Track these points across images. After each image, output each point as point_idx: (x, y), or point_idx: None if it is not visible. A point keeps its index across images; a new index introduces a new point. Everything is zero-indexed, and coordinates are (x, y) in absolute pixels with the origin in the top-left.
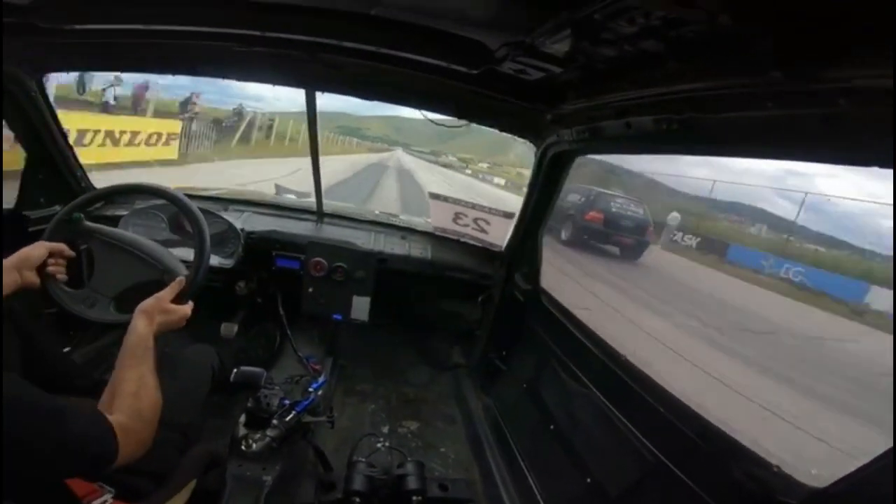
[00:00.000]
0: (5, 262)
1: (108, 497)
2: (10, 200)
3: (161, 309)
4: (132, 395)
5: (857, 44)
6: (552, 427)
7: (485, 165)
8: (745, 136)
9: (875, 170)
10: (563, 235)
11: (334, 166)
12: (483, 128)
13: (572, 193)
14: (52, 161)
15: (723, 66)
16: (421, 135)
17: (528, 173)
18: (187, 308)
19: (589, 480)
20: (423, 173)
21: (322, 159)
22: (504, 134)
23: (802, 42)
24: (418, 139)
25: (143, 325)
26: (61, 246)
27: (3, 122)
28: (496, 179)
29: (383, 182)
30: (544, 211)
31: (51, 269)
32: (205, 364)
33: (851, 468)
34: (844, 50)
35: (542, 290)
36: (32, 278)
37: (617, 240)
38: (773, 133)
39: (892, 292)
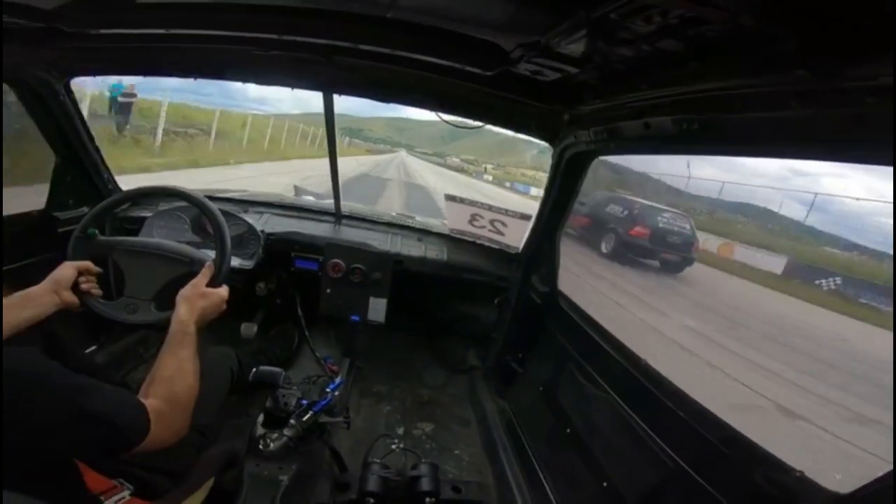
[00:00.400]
0: (38, 288)
1: (125, 493)
2: (40, 202)
3: (199, 293)
4: (167, 380)
5: (882, 40)
6: (568, 431)
7: (490, 166)
8: (769, 136)
9: None
10: (604, 248)
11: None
12: (487, 129)
13: (612, 204)
14: (80, 163)
15: (745, 65)
16: (424, 136)
17: (535, 174)
18: (224, 291)
19: (605, 485)
20: (442, 186)
21: (284, 165)
22: (509, 135)
23: (827, 39)
24: (422, 140)
25: (184, 310)
26: (87, 264)
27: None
28: (533, 190)
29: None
30: (562, 212)
31: (84, 286)
32: (225, 367)
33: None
34: (870, 47)
35: (559, 293)
36: (70, 298)
37: (663, 256)
38: (798, 133)
39: None
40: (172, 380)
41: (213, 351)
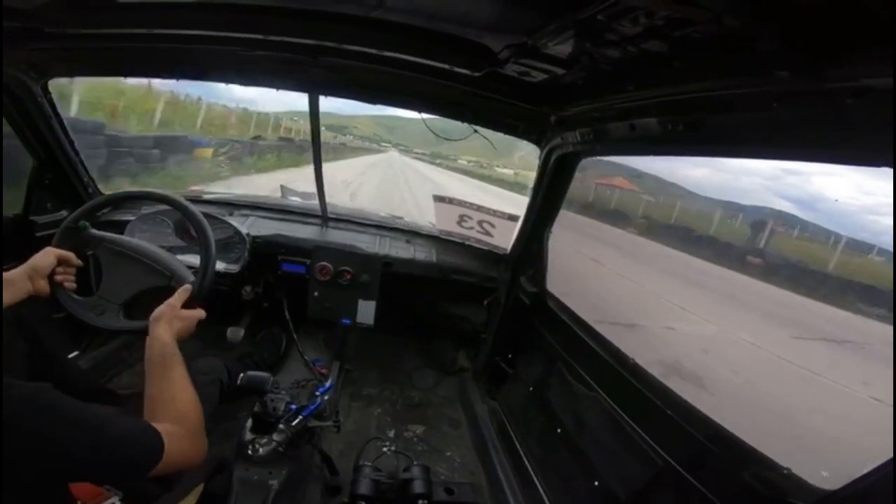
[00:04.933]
0: (16, 271)
1: (115, 500)
2: (17, 205)
3: (175, 315)
4: (171, 400)
5: (863, 41)
6: (559, 430)
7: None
8: (752, 137)
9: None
10: None
11: None
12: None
13: None
14: (58, 166)
15: (728, 67)
16: (417, 135)
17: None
18: (200, 311)
19: (597, 484)
20: None
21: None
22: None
23: (808, 41)
24: (415, 140)
25: (163, 331)
26: (69, 254)
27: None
28: None
29: None
30: (550, 214)
31: (59, 277)
32: (213, 378)
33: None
34: (851, 48)
35: (547, 293)
36: (44, 286)
37: None
38: (780, 134)
39: None
40: (175, 399)
41: (201, 363)
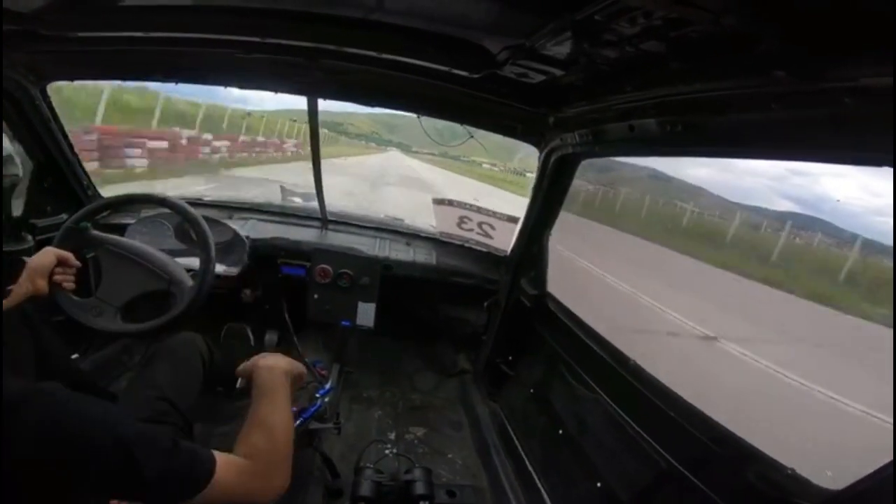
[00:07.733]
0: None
1: None
2: (16, 208)
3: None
4: (272, 428)
5: (862, 41)
6: (560, 432)
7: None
8: (751, 137)
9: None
10: None
11: None
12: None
13: None
14: (57, 169)
15: (726, 67)
16: (419, 134)
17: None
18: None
19: (599, 485)
20: None
21: None
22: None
23: (807, 41)
24: (419, 139)
25: (282, 361)
26: (69, 254)
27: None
28: None
29: None
30: (550, 215)
31: (58, 277)
32: (194, 351)
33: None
34: (850, 48)
35: (548, 295)
36: (43, 286)
37: None
38: (779, 134)
39: None
40: (275, 428)
41: (178, 338)
